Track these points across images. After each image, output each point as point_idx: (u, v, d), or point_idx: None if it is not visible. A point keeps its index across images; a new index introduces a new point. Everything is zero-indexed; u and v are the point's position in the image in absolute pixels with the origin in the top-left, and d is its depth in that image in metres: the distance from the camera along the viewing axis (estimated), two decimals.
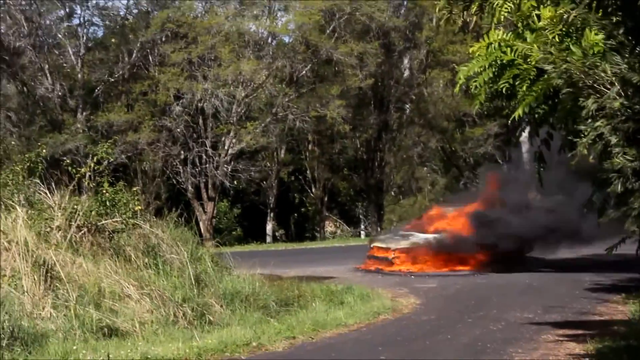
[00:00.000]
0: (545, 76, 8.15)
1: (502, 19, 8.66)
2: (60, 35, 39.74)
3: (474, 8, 9.49)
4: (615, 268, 22.42)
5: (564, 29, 8.29)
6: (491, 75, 8.55)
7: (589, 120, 8.08)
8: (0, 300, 12.35)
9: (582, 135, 8.24)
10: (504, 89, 8.43)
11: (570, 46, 8.15)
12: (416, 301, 19.15)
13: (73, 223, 14.76)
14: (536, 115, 8.52)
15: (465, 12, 9.56)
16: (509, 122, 8.62)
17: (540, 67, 8.17)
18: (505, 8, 8.62)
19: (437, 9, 9.87)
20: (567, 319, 16.09)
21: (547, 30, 8.31)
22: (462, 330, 15.06)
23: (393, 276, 24.26)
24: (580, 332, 14.18)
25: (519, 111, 8.31)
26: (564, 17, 8.26)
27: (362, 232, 47.82)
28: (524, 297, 19.29)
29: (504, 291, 20.53)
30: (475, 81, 8.63)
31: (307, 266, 25.69)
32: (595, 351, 12.51)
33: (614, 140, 7.95)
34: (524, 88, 8.29)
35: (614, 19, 8.09)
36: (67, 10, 40.59)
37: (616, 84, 7.87)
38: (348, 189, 49.26)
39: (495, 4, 8.70)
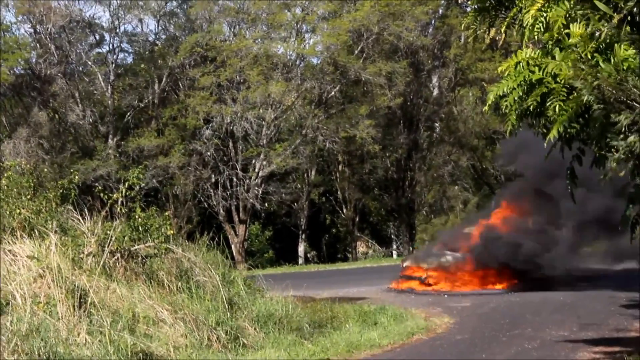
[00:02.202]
0: (576, 94, 8.11)
1: (536, 37, 8.63)
2: (90, 63, 40.09)
3: (503, 27, 9.48)
4: None
5: (593, 46, 8.26)
6: (520, 93, 8.52)
7: (621, 136, 8.03)
8: (37, 326, 12.42)
9: (614, 150, 8.18)
10: (532, 108, 8.40)
11: (600, 63, 8.11)
12: (450, 320, 19.04)
13: (106, 249, 14.83)
14: (567, 136, 8.48)
15: (490, 29, 9.55)
16: (545, 143, 8.55)
17: (570, 85, 8.13)
18: (537, 28, 8.59)
19: (462, 26, 9.87)
20: (603, 336, 15.92)
21: (577, 48, 8.27)
22: (497, 349, 14.95)
23: (426, 296, 24.15)
24: (616, 349, 14.05)
25: (554, 132, 8.26)
26: (595, 34, 8.23)
27: (394, 252, 47.68)
28: (559, 315, 19.13)
29: (538, 309, 20.37)
30: (505, 101, 8.61)
31: (340, 287, 25.63)
32: None
33: None
34: (557, 109, 8.24)
35: None
36: (97, 37, 40.99)
37: None
38: (379, 209, 49.16)
39: (526, 23, 8.67)
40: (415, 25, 41.02)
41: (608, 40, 8.22)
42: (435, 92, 45.78)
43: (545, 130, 8.57)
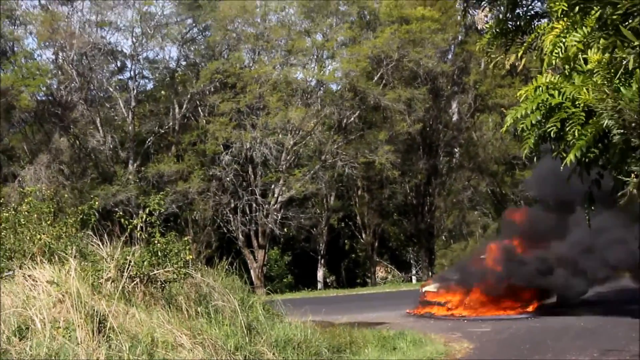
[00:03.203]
0: (595, 118, 8.09)
1: (554, 62, 8.62)
2: (111, 89, 40.38)
3: (520, 52, 9.49)
4: None
5: (612, 71, 8.24)
6: (539, 117, 8.51)
7: None
8: (57, 351, 12.44)
9: (635, 175, 8.15)
10: (552, 133, 8.38)
11: (622, 89, 8.09)
12: (469, 346, 18.95)
13: (125, 274, 14.85)
14: (587, 160, 8.45)
15: (508, 55, 9.56)
16: (562, 167, 8.53)
17: (589, 110, 8.11)
18: (555, 53, 8.59)
19: (477, 48, 9.88)
20: None
21: (595, 73, 8.26)
22: None
23: (445, 321, 24.07)
24: None
25: (571, 156, 8.24)
26: (617, 61, 8.21)
27: (414, 277, 47.55)
28: (580, 341, 19.00)
29: (558, 334, 20.25)
30: (522, 123, 8.60)
31: (359, 312, 25.58)
32: None
33: None
34: (576, 134, 8.22)
35: None
36: (118, 64, 41.30)
37: None
38: (398, 234, 49.07)
39: (545, 50, 8.67)
40: (435, 52, 41.09)
41: (630, 67, 8.21)
42: (455, 117, 45.80)
43: (564, 155, 8.55)
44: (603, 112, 7.92)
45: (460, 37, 44.32)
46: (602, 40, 8.19)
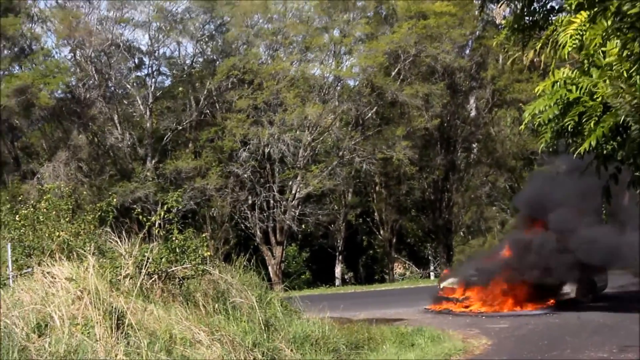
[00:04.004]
0: (613, 111, 8.07)
1: (566, 57, 8.59)
2: (129, 86, 40.48)
3: (538, 45, 9.46)
4: None
5: (631, 65, 8.21)
6: (556, 112, 8.49)
7: None
8: (75, 348, 12.49)
9: None
10: (569, 127, 8.35)
11: (638, 82, 8.06)
12: (488, 342, 18.92)
13: (143, 270, 14.90)
14: (605, 152, 8.42)
15: (525, 50, 9.54)
16: (576, 158, 8.51)
17: (606, 104, 8.08)
18: (570, 45, 8.56)
19: (495, 44, 9.86)
20: None
21: (614, 66, 8.23)
22: None
23: (464, 317, 24.04)
24: None
25: (585, 145, 8.22)
26: (634, 55, 8.17)
27: (432, 274, 47.48)
28: (598, 336, 18.93)
29: (577, 330, 20.19)
30: (539, 117, 8.58)
31: (377, 308, 25.57)
32: None
33: None
34: (591, 124, 8.20)
35: None
36: (136, 61, 41.39)
37: None
38: (416, 230, 49.03)
39: (561, 42, 8.64)
40: (452, 47, 40.97)
41: None
42: (473, 113, 45.68)
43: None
44: (620, 106, 7.89)
45: (477, 32, 44.16)
46: (620, 34, 8.15)
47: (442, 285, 26.61)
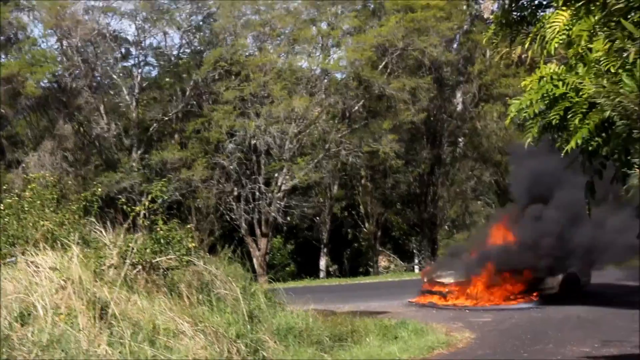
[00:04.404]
0: (598, 107, 8.09)
1: (553, 52, 8.61)
2: (115, 76, 40.33)
3: (527, 43, 9.48)
4: None
5: (617, 62, 8.23)
6: (542, 107, 8.51)
7: None
8: (58, 337, 12.47)
9: (637, 167, 8.15)
10: (555, 122, 8.38)
11: (624, 78, 8.08)
12: (471, 335, 18.98)
13: (128, 261, 14.88)
14: (590, 148, 8.45)
15: (513, 45, 9.55)
16: (562, 155, 8.54)
17: (592, 100, 8.11)
18: (557, 40, 8.59)
19: (484, 41, 9.89)
20: (624, 353, 15.84)
21: (600, 63, 8.25)
22: None
23: (447, 310, 24.10)
24: None
25: (572, 144, 8.25)
26: (620, 51, 8.19)
27: (416, 267, 47.56)
28: (581, 331, 19.02)
29: (560, 325, 20.28)
30: (525, 112, 8.59)
31: (361, 301, 25.58)
32: None
33: None
34: (577, 121, 8.23)
35: None
36: (123, 51, 41.23)
37: None
38: (401, 224, 49.08)
39: (548, 37, 8.66)
40: (440, 41, 40.99)
41: (631, 60, 8.20)
42: (459, 107, 45.75)
43: (567, 144, 8.54)
44: (605, 104, 7.92)
45: (465, 27, 44.21)
46: (607, 30, 8.17)
47: (425, 279, 26.60)
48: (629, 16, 7.98)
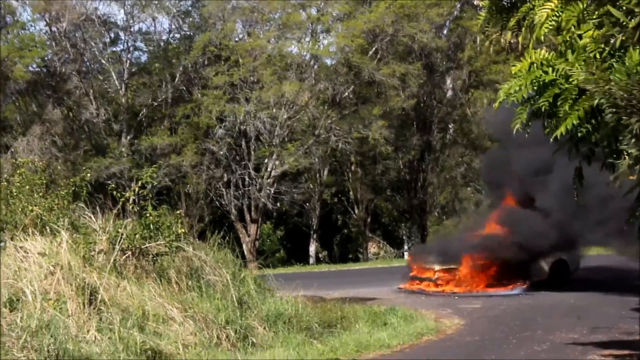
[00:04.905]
0: (588, 94, 8.10)
1: (542, 38, 8.62)
2: (104, 61, 40.16)
3: (512, 22, 9.46)
4: None
5: (606, 48, 8.24)
6: (531, 92, 8.51)
7: (633, 140, 8.01)
8: (47, 323, 12.46)
9: (625, 154, 8.17)
10: (544, 108, 8.38)
11: (614, 65, 8.09)
12: (460, 322, 19.02)
13: (117, 246, 14.87)
14: (579, 134, 8.46)
15: (504, 32, 9.55)
16: (551, 140, 8.55)
17: (582, 87, 8.11)
18: (547, 26, 8.59)
19: (476, 28, 9.90)
20: (613, 339, 15.90)
21: (588, 50, 8.26)
22: (507, 351, 14.93)
23: (437, 297, 24.14)
24: (626, 352, 14.04)
25: (561, 129, 8.26)
26: (608, 38, 8.20)
27: (406, 253, 47.60)
28: (570, 318, 19.07)
29: (549, 312, 20.35)
30: (514, 97, 8.59)
31: (351, 287, 25.62)
32: None
33: None
34: (566, 107, 8.24)
35: None
36: (112, 36, 41.09)
37: None
38: (391, 210, 49.10)
39: (536, 20, 8.66)
40: (430, 27, 40.96)
41: (621, 45, 8.20)
42: (449, 93, 45.76)
43: (556, 130, 8.54)
44: (595, 91, 7.92)
45: (455, 13, 44.16)
46: (595, 17, 8.18)
47: (414, 265, 26.58)
48: (617, 2, 7.98)
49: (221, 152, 39.59)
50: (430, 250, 27.41)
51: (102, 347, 12.77)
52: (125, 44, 40.90)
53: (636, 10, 8.03)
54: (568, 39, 8.57)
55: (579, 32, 8.47)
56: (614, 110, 7.98)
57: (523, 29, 9.14)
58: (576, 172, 8.92)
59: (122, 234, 15.05)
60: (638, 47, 8.05)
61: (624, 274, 25.69)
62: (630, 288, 23.26)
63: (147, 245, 15.53)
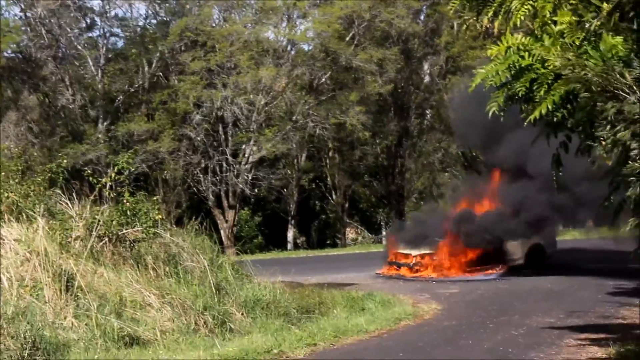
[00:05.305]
0: (563, 79, 8.12)
1: (518, 24, 8.63)
2: (80, 47, 39.91)
3: (489, 12, 9.46)
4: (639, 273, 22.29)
5: (581, 34, 8.26)
6: (508, 76, 8.52)
7: (608, 126, 8.05)
8: (24, 309, 12.41)
9: (601, 139, 8.21)
10: (520, 93, 8.40)
11: (589, 50, 8.12)
12: (438, 307, 19.11)
13: (94, 233, 14.84)
14: (555, 119, 8.49)
15: (478, 17, 9.54)
16: (525, 124, 8.57)
17: (558, 72, 8.13)
18: (523, 12, 8.60)
19: (450, 10, 9.89)
20: (589, 323, 16.03)
21: (565, 35, 8.28)
22: (484, 335, 15.02)
23: (414, 282, 24.21)
24: (602, 336, 14.13)
25: (536, 113, 8.28)
26: (584, 23, 8.23)
27: (384, 239, 47.67)
28: (546, 302, 19.21)
29: (526, 296, 20.48)
30: (491, 81, 8.59)
31: (328, 273, 25.68)
32: (617, 355, 12.46)
33: (634, 145, 7.91)
34: (542, 92, 8.26)
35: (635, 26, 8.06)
36: (88, 21, 40.83)
37: (635, 88, 7.83)
38: (369, 196, 49.17)
39: (513, 7, 8.67)
40: (407, 12, 40.96)
41: (595, 31, 8.23)
42: (426, 79, 45.80)
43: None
44: (570, 75, 7.94)
45: None
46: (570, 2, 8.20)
47: (392, 251, 26.62)
48: None
49: (198, 138, 39.50)
50: (408, 233, 27.38)
51: (79, 334, 12.76)
52: (102, 29, 40.70)
53: None
54: (545, 21, 8.58)
55: (554, 18, 8.49)
56: (588, 95, 8.02)
57: (500, 16, 9.14)
58: (554, 158, 8.94)
59: (99, 221, 15.02)
60: (612, 32, 8.09)
61: (599, 256, 25.95)
62: (606, 272, 23.50)
63: (124, 231, 15.51)
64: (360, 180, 47.98)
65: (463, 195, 28.61)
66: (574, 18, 8.22)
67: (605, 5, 8.10)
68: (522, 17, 8.54)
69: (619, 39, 8.02)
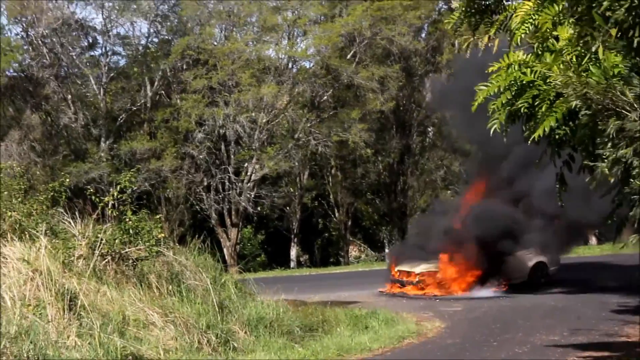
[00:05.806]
0: (565, 97, 8.13)
1: (519, 42, 8.66)
2: (82, 65, 40.00)
3: (492, 31, 9.50)
4: None
5: (582, 50, 8.28)
6: (510, 96, 8.54)
7: (609, 143, 8.05)
8: (27, 329, 12.39)
9: (602, 157, 8.20)
10: (522, 110, 8.41)
11: (590, 67, 8.13)
12: (441, 325, 19.06)
13: (96, 251, 14.83)
14: (557, 137, 8.50)
15: (474, 33, 9.58)
16: (529, 143, 8.58)
17: (559, 90, 8.15)
18: (523, 29, 8.63)
19: (447, 27, 9.92)
20: (593, 341, 15.98)
21: (565, 52, 8.30)
22: (488, 353, 14.98)
23: (418, 300, 24.16)
24: (606, 354, 14.10)
25: (539, 131, 8.29)
26: (584, 39, 8.24)
27: (387, 257, 47.58)
28: (550, 320, 19.16)
29: (529, 314, 20.41)
30: (494, 103, 8.61)
31: (332, 291, 25.63)
32: None
33: (636, 162, 7.91)
34: (544, 109, 8.27)
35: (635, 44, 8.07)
36: (90, 40, 40.94)
37: (636, 106, 7.84)
38: (371, 214, 49.12)
39: (514, 26, 8.71)
40: (408, 30, 41.03)
41: (597, 48, 8.25)
42: (428, 96, 45.80)
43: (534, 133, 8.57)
44: (572, 94, 7.95)
45: (434, 16, 44.25)
46: (572, 19, 8.21)
47: (396, 269, 26.53)
48: (594, 4, 8.02)
49: (201, 156, 39.53)
50: (409, 251, 27.29)
51: (83, 353, 12.72)
52: (104, 48, 40.79)
53: (609, 14, 8.06)
54: (545, 37, 8.61)
55: (555, 33, 8.51)
56: (589, 112, 8.03)
57: (500, 32, 9.18)
58: (558, 177, 8.95)
59: (101, 239, 15.01)
60: (613, 50, 8.10)
61: (603, 273, 25.90)
62: (609, 289, 23.44)
63: (126, 250, 15.50)
64: (362, 197, 47.96)
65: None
66: (573, 34, 8.24)
67: (612, 29, 8.09)
68: (522, 35, 8.58)
69: (620, 57, 8.05)
